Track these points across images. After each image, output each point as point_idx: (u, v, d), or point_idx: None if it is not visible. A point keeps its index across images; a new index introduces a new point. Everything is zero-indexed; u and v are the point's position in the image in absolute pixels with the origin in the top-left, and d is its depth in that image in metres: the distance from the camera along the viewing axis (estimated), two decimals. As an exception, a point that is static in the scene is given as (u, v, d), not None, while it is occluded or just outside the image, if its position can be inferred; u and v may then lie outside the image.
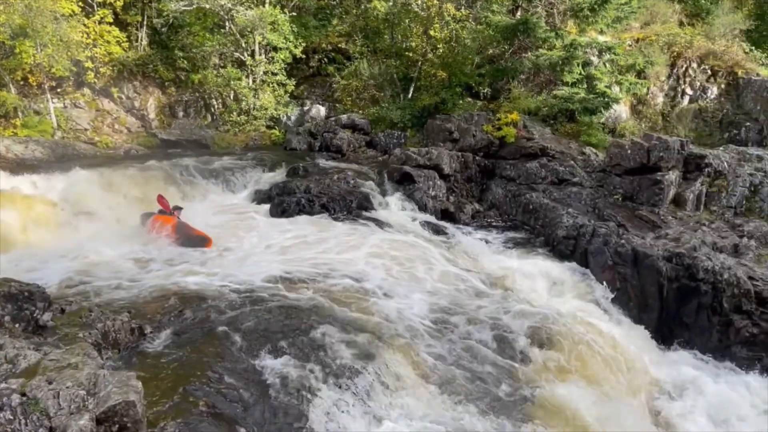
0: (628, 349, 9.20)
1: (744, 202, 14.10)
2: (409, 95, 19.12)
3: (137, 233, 11.41)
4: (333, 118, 19.27)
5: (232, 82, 19.66)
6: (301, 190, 13.85)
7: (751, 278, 10.94)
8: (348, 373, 6.54)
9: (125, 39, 20.11)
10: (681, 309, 10.90)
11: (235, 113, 19.81)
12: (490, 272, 10.86)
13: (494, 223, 14.61)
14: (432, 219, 13.72)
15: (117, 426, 4.62)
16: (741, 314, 10.59)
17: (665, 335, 10.77)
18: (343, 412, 5.97)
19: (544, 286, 10.51)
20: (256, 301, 7.99)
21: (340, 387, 6.27)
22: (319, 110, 20.57)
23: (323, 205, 13.25)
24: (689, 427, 8.32)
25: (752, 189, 14.18)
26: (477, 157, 16.07)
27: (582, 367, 7.96)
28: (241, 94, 19.79)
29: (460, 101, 18.45)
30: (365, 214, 13.22)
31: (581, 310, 9.65)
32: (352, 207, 13.38)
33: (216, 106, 20.59)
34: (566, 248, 12.53)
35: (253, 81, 20.17)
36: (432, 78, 18.73)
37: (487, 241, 13.07)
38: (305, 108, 20.79)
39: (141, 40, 20.86)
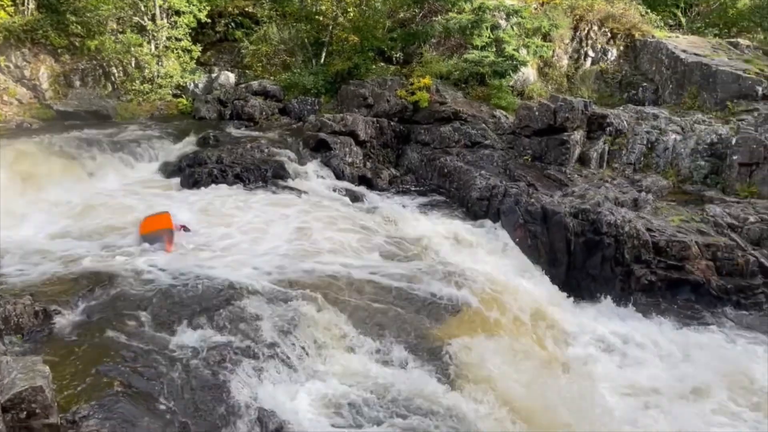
0: (539, 301, 9.68)
1: (642, 158, 14.94)
2: (322, 60, 18.79)
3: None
4: (243, 85, 18.68)
5: (132, 49, 18.58)
6: (213, 160, 13.42)
7: (649, 230, 11.70)
8: (269, 342, 6.51)
9: (10, 2, 18.49)
10: (587, 261, 11.53)
11: (137, 82, 18.79)
12: (408, 235, 11.03)
13: (411, 188, 14.78)
14: (350, 186, 13.70)
15: (25, 413, 4.42)
16: (640, 264, 11.34)
17: (573, 287, 11.39)
18: (265, 381, 5.95)
19: (460, 246, 10.80)
20: (172, 278, 7.76)
21: (262, 356, 6.24)
22: (228, 77, 19.86)
23: (237, 175, 12.91)
24: (597, 372, 8.89)
25: (649, 146, 15.04)
26: (392, 123, 16.11)
27: (496, 321, 8.29)
28: (144, 62, 18.77)
29: (373, 66, 18.35)
30: (282, 183, 13.02)
31: (495, 267, 10.02)
32: (267, 176, 13.12)
33: (116, 75, 19.44)
34: (480, 209, 12.92)
35: (156, 47, 19.15)
36: (344, 42, 18.47)
37: (405, 206, 13.22)
38: (213, 75, 20.00)
39: (28, 3, 19.26)
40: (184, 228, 10.01)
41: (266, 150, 14.12)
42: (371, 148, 15.43)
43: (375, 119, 15.81)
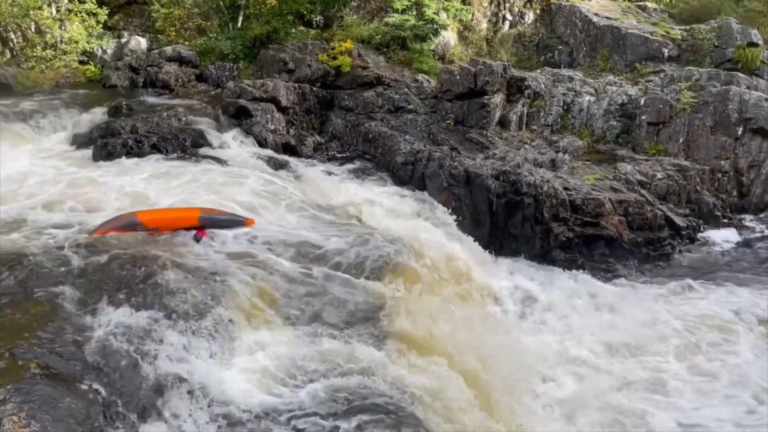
0: (464, 261, 9.94)
1: (559, 120, 15.45)
2: (239, 24, 18.11)
3: None
4: (156, 51, 17.78)
5: (31, 12, 17.25)
6: (127, 130, 12.77)
7: (566, 189, 12.20)
8: (196, 315, 6.37)
9: None
10: (509, 221, 11.93)
11: (39, 48, 17.51)
12: (335, 202, 11.01)
13: (337, 154, 14.68)
14: (273, 154, 13.41)
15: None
16: (559, 222, 11.85)
17: (496, 246, 11.77)
18: (193, 354, 5.85)
19: (387, 210, 10.88)
20: (88, 254, 7.39)
21: (188, 330, 6.11)
22: (140, 42, 18.83)
23: (154, 145, 12.36)
24: (523, 326, 9.30)
25: (565, 107, 15.55)
26: (314, 88, 15.84)
27: (424, 281, 8.46)
28: (44, 26, 17.49)
29: (293, 30, 17.89)
30: (201, 152, 12.57)
31: (422, 230, 10.17)
32: (186, 145, 12.65)
33: (15, 40, 18.03)
34: (405, 174, 13.02)
35: (57, 10, 17.87)
36: (261, 6, 17.83)
37: (331, 173, 13.15)
38: (123, 40, 18.90)
39: None
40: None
41: (184, 118, 13.59)
42: (294, 114, 15.14)
43: (297, 85, 15.48)
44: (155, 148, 12.27)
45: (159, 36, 19.01)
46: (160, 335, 5.92)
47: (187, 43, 18.26)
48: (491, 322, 8.79)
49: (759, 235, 13.11)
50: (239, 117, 14.16)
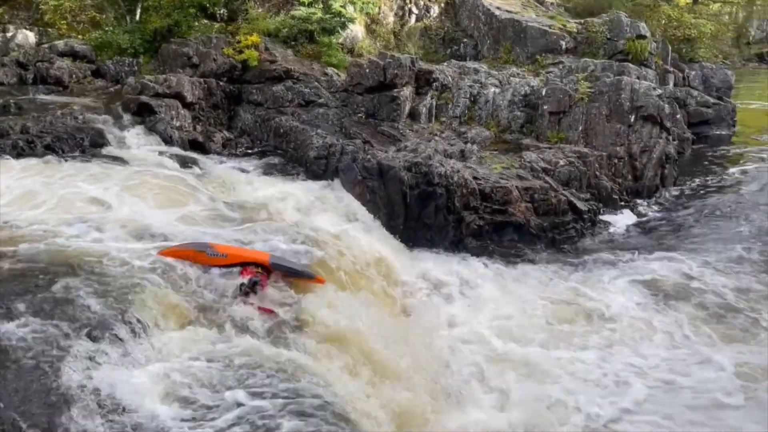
0: (380, 254, 10.03)
1: (466, 111, 15.85)
2: (137, 17, 17.28)
3: None
4: (47, 45, 16.63)
5: None
6: (17, 130, 11.89)
7: (475, 178, 12.55)
8: (102, 323, 6.04)
9: None
10: (422, 212, 12.12)
11: None
12: (248, 199, 10.77)
13: (247, 150, 14.39)
14: (180, 151, 12.94)
15: None
16: (469, 210, 12.17)
17: (412, 237, 11.94)
18: (100, 363, 5.55)
19: (300, 205, 10.76)
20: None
21: (94, 339, 5.78)
22: (27, 36, 17.56)
23: (48, 145, 11.58)
24: (441, 316, 9.49)
25: (472, 99, 15.98)
26: (221, 83, 15.41)
27: (341, 276, 8.46)
28: None
29: (196, 23, 17.27)
30: (102, 152, 11.94)
31: (337, 224, 10.17)
32: (84, 145, 11.96)
33: None
34: (319, 168, 12.95)
35: (-70, 1, 16.39)
36: (161, -3, 17.13)
37: (242, 169, 12.87)
38: (8, 34, 17.56)
39: None
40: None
41: (81, 117, 12.83)
42: (200, 110, 14.67)
43: (202, 80, 15.01)
44: (50, 149, 11.51)
45: (49, 29, 17.79)
46: (65, 346, 5.57)
47: (80, 37, 17.21)
48: (408, 312, 8.92)
49: (651, 216, 14.08)
50: (142, 114, 13.54)
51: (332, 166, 12.74)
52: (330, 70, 16.47)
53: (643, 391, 8.05)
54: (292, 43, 17.16)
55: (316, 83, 15.78)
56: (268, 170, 12.88)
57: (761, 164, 17.66)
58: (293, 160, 13.54)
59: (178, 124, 13.75)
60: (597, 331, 9.36)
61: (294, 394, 5.66)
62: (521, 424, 7.34)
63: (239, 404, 5.45)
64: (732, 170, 17.24)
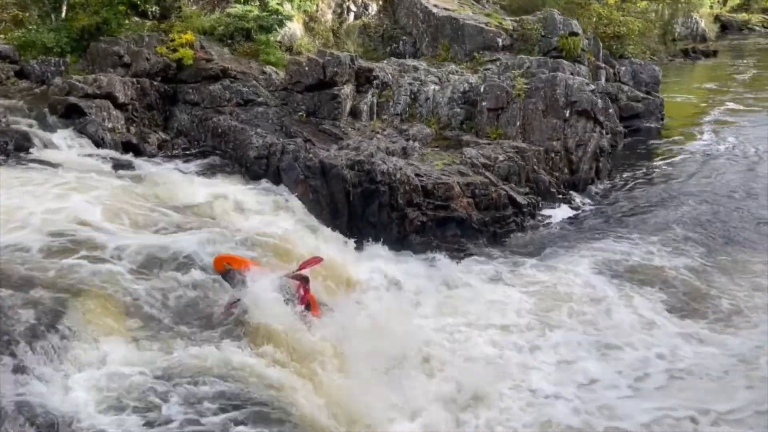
0: (326, 254, 9.93)
1: (407, 109, 15.92)
2: (63, 15, 16.51)
3: None
4: (-36, 45, 15.75)
5: None
6: (-67, 135, 11.22)
7: (418, 175, 12.62)
8: (34, 334, 5.76)
9: None
10: (366, 210, 12.11)
11: None
12: (186, 202, 10.48)
13: (185, 151, 14.00)
14: (114, 154, 12.48)
15: None
16: (413, 207, 12.25)
17: (356, 236, 11.87)
18: (33, 376, 5.27)
19: (241, 207, 10.55)
20: None
21: (26, 351, 5.49)
22: (-58, 35, 16.56)
23: (-32, 151, 10.97)
24: (385, 312, 9.46)
25: (413, 97, 16.06)
26: (155, 83, 14.93)
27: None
28: None
29: (126, 21, 16.66)
30: (28, 156, 11.38)
31: (279, 225, 10.02)
32: (8, 149, 11.35)
33: None
34: (260, 168, 12.74)
35: None
36: (88, -6, 16.43)
37: (179, 171, 12.50)
38: None
39: None
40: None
41: (3, 119, 12.19)
42: (134, 111, 14.17)
43: (135, 79, 14.50)
44: (-31, 154, 10.89)
45: (-34, 28, 16.83)
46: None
47: (2, 36, 16.35)
48: (355, 311, 8.86)
49: (588, 207, 14.53)
50: (70, 116, 12.98)
51: (273, 166, 12.56)
52: (268, 69, 16.21)
53: (593, 365, 8.42)
54: (229, 41, 16.79)
55: (255, 82, 15.51)
56: (206, 171, 12.59)
57: (688, 155, 18.55)
58: (233, 160, 13.26)
59: (110, 125, 13.25)
60: (541, 316, 9.60)
61: (240, 397, 5.55)
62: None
63: (183, 410, 5.30)
64: (662, 161, 18.02)
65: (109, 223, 8.73)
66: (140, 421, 5.15)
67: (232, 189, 11.32)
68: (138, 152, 13.08)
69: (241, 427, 5.11)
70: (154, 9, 17.54)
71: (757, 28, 50.65)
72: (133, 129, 13.90)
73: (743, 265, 11.37)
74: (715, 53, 39.06)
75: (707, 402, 7.61)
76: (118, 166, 11.75)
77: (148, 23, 17.24)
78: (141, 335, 6.38)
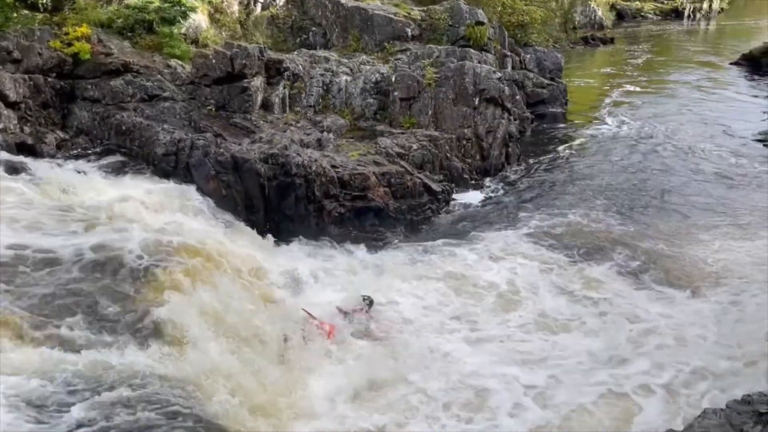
0: (241, 250, 9.75)
1: (320, 100, 15.83)
2: (-59, 8, 15.24)
3: None
4: None
5: None
6: None
7: (333, 166, 12.60)
8: None
9: None
10: (282, 203, 11.98)
11: None
12: (91, 203, 9.95)
13: (87, 151, 13.24)
14: (6, 155, 11.64)
15: None
16: (330, 199, 12.23)
17: (273, 230, 11.76)
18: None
19: (148, 206, 10.12)
20: None
21: None
22: None
23: None
24: (309, 301, 9.43)
25: (325, 88, 15.97)
26: (50, 79, 14.00)
27: (201, 275, 8.11)
28: None
29: (14, 15, 15.52)
30: None
31: (190, 223, 9.72)
32: None
33: None
34: (168, 165, 12.30)
35: None
36: (-32, -15, 15.20)
37: (82, 171, 11.85)
38: None
39: None
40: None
41: None
42: (27, 109, 13.25)
43: (27, 76, 13.53)
44: None
45: None
46: None
47: None
48: (273, 306, 8.76)
49: (500, 191, 15.04)
50: (-46, 117, 12.01)
51: (183, 163, 12.16)
52: (173, 62, 15.60)
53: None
54: (129, 34, 16.00)
55: (159, 76, 14.89)
56: (110, 171, 12.00)
57: (591, 137, 19.62)
58: (139, 158, 12.70)
59: (0, 126, 12.36)
60: (457, 295, 9.90)
61: (151, 400, 5.37)
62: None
63: (89, 417, 5.07)
64: (568, 144, 18.92)
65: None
66: (42, 428, 4.88)
67: (137, 188, 10.85)
68: (35, 153, 12.27)
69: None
70: (45, 1, 16.45)
71: (650, 15, 54.01)
72: (27, 129, 13.02)
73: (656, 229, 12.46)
74: (612, 40, 41.19)
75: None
76: (13, 168, 10.97)
77: (39, 16, 16.11)
78: (47, 342, 6.02)
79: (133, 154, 12.88)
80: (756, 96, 24.85)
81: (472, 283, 10.38)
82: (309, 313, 8.78)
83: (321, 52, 17.49)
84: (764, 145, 18.06)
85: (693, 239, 12.11)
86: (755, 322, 8.87)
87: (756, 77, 29.01)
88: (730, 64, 32.71)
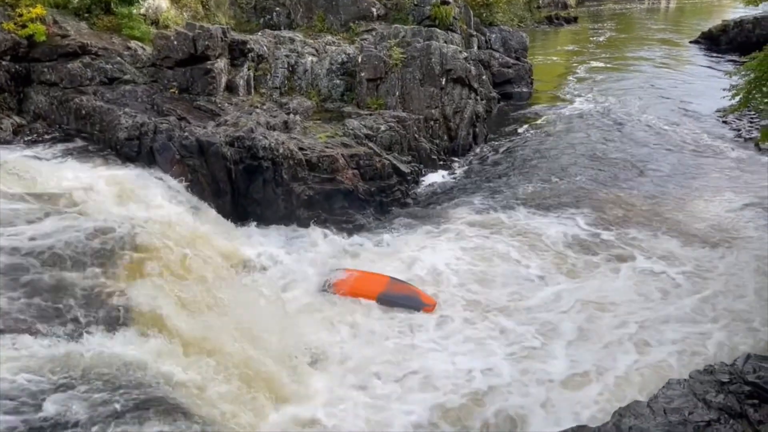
0: (210, 236, 9.63)
1: (286, 81, 15.60)
2: None
3: None
4: None
5: None
6: None
7: (301, 149, 12.47)
8: None
9: None
10: (250, 187, 11.84)
11: None
12: (52, 191, 9.66)
13: (45, 136, 12.85)
14: (-42, 143, 11.26)
15: None
16: (298, 181, 12.12)
17: (241, 214, 11.63)
18: None
19: (115, 192, 9.90)
20: None
21: None
22: None
23: None
24: (277, 290, 9.38)
25: (290, 69, 15.75)
26: (4, 62, 13.49)
27: (170, 262, 7.98)
28: None
29: (-37, -5, 14.92)
30: None
31: (157, 209, 9.55)
32: None
33: None
34: (131, 150, 12.02)
35: None
36: None
37: (40, 158, 11.50)
38: None
39: None
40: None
41: None
42: (-20, 95, 12.81)
43: (-21, 60, 13.07)
44: None
45: None
46: None
47: None
48: (245, 292, 8.68)
49: (468, 171, 15.14)
50: None
51: (146, 147, 11.89)
52: (133, 44, 15.18)
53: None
54: (86, 15, 15.49)
55: (119, 58, 14.47)
56: (71, 156, 11.64)
57: (557, 114, 19.88)
58: (101, 143, 12.38)
59: (-47, 111, 11.90)
60: (427, 279, 9.96)
61: (118, 389, 5.30)
62: None
63: (67, 412, 4.99)
64: (534, 123, 19.12)
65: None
66: (15, 421, 4.79)
67: (100, 173, 10.57)
68: (-11, 140, 11.88)
69: (123, 427, 4.89)
70: (-5, -20, 15.81)
71: (612, -6, 54.60)
72: (-19, 115, 12.58)
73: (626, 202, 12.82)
74: (575, 19, 41.58)
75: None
76: (-36, 156, 10.60)
77: (-10, -4, 15.51)
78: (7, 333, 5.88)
79: (94, 139, 12.55)
80: (714, 73, 25.40)
81: (434, 263, 10.46)
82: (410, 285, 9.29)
83: (286, 33, 17.22)
84: (723, 121, 18.52)
85: (666, 200, 12.84)
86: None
87: (714, 55, 29.65)
88: (690, 42, 33.35)
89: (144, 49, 14.97)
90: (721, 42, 30.87)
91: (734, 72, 11.61)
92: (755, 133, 16.88)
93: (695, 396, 6.08)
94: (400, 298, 9.25)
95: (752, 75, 10.39)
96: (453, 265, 10.27)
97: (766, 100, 10.33)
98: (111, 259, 7.26)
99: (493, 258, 10.47)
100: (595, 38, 35.70)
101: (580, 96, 22.16)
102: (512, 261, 10.42)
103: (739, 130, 17.67)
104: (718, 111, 19.06)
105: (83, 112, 12.88)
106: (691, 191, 13.33)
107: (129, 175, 10.81)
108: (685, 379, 6.36)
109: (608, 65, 28.00)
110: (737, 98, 10.65)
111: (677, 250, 10.58)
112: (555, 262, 10.39)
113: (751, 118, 18.16)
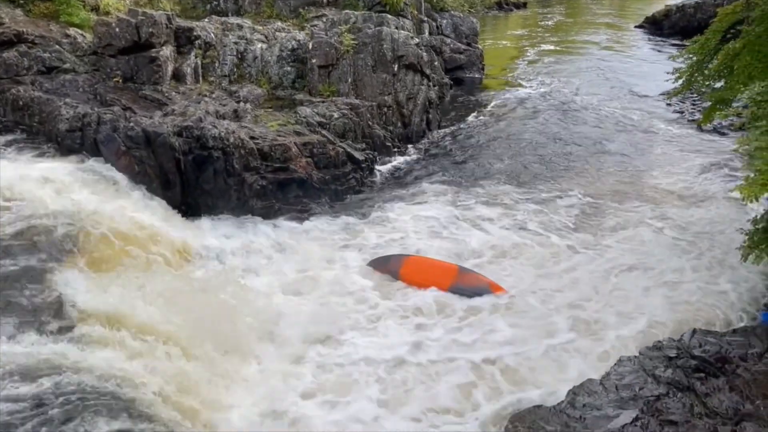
0: (159, 228, 9.36)
1: (235, 69, 15.25)
2: None
3: None
4: None
5: None
6: None
7: (252, 138, 12.22)
8: None
9: None
10: (200, 178, 11.54)
11: None
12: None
13: (-21, 130, 12.25)
14: None
15: None
16: (250, 171, 11.89)
17: (192, 206, 11.35)
18: None
19: (55, 187, 9.46)
20: None
21: None
22: None
23: None
24: (229, 281, 9.19)
25: (240, 56, 15.39)
26: (-69, 52, 12.80)
27: (119, 257, 7.75)
28: None
29: None
30: None
31: (102, 202, 9.20)
32: None
33: None
34: (74, 142, 11.54)
35: None
36: None
37: (-26, 152, 10.95)
38: None
39: None
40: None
41: None
42: None
43: None
44: None
45: None
46: None
47: None
48: (196, 284, 8.48)
49: (422, 157, 15.20)
50: None
51: (89, 139, 11.42)
52: (73, 31, 14.53)
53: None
54: (20, 1, 14.78)
55: (58, 46, 13.85)
56: (10, 150, 11.11)
57: (508, 99, 20.14)
58: (40, 135, 11.84)
59: None
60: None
61: (71, 391, 5.11)
62: None
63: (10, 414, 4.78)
64: (486, 108, 19.29)
65: None
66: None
67: (40, 167, 10.09)
68: None
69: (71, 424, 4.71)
70: None
71: (559, -20, 55.25)
72: None
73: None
74: (525, 4, 42.05)
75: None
76: None
77: None
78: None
79: (33, 131, 12.00)
80: (658, 57, 26.11)
81: (400, 245, 10.47)
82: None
83: (233, 19, 16.79)
84: (667, 104, 19.07)
85: (627, 174, 13.76)
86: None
87: (658, 39, 30.48)
88: (635, 26, 34.19)
89: (84, 36, 14.39)
90: (664, 26, 31.72)
91: (677, 55, 11.91)
92: (698, 115, 17.47)
93: (645, 372, 6.26)
94: (469, 290, 9.22)
95: (694, 58, 10.65)
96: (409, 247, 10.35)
97: (707, 83, 10.60)
98: (51, 255, 6.98)
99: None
100: (544, 22, 36.23)
101: (530, 80, 22.47)
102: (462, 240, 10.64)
103: (682, 112, 18.27)
104: (662, 94, 19.59)
105: (20, 103, 12.30)
106: (650, 166, 14.24)
107: (71, 167, 10.37)
108: (635, 356, 6.54)
109: (557, 48, 28.55)
110: (680, 81, 10.91)
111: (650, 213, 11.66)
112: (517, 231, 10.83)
113: (694, 100, 18.77)
